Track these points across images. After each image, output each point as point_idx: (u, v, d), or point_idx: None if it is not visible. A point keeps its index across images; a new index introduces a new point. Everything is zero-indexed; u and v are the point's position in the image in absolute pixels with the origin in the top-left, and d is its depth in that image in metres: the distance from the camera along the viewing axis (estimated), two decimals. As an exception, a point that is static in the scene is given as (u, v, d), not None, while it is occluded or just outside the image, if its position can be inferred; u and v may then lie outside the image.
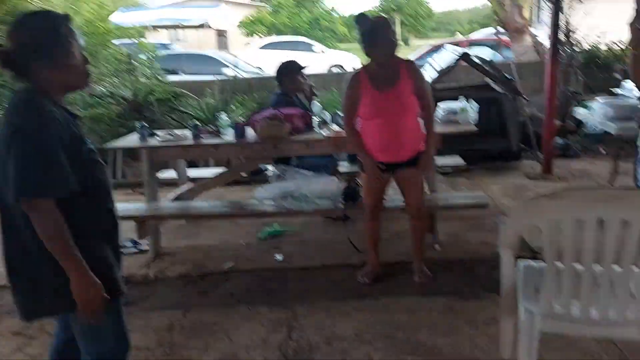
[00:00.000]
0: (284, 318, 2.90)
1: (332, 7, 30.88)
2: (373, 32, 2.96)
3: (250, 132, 3.77)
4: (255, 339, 2.72)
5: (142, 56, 7.44)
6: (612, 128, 3.66)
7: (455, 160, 4.45)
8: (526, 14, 8.25)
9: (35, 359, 2.65)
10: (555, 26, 4.53)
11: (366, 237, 3.33)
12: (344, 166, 4.28)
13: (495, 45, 9.45)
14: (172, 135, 3.88)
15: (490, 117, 5.42)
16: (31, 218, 1.57)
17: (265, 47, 16.02)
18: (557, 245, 1.74)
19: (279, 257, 3.68)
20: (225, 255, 3.79)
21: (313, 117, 3.87)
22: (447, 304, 2.94)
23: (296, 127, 3.75)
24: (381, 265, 3.32)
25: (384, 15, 3.21)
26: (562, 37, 5.52)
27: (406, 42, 30.71)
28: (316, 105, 3.93)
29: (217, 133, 3.86)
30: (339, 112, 3.93)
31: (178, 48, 14.69)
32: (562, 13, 5.95)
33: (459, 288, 3.10)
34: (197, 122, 3.87)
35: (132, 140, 3.93)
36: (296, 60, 4.40)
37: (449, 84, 5.77)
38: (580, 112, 3.79)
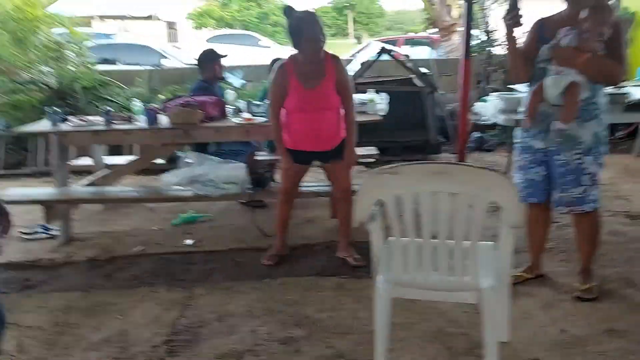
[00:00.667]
0: (180, 298, 2.98)
1: (284, 3, 30.87)
2: (300, 27, 3.02)
3: (163, 119, 3.82)
4: (149, 317, 2.79)
5: (74, 45, 7.32)
6: (500, 120, 3.91)
7: (370, 151, 4.61)
8: (455, 13, 8.58)
9: None
10: (468, 24, 4.76)
11: (276, 220, 3.42)
12: (262, 154, 4.38)
13: (431, 43, 9.75)
14: (85, 121, 3.89)
15: (411, 110, 5.66)
16: None
17: (211, 39, 15.94)
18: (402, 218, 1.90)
19: (188, 241, 3.75)
20: (137, 240, 3.83)
21: (227, 105, 3.96)
22: (339, 283, 3.09)
23: (210, 114, 3.83)
24: (287, 248, 3.43)
25: (311, 10, 3.25)
26: (482, 35, 5.78)
27: (359, 39, 31.08)
28: (230, 94, 4.02)
29: (129, 119, 3.89)
30: (253, 101, 4.04)
31: (120, 39, 14.40)
32: (483, 12, 6.26)
33: (355, 269, 3.25)
34: (110, 108, 3.88)
35: (43, 125, 3.91)
36: (214, 49, 4.50)
37: (372, 78, 5.96)
38: (477, 106, 4.03)
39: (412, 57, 6.64)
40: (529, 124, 2.69)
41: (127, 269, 3.40)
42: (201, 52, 4.48)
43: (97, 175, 4.22)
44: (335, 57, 3.19)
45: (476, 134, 5.91)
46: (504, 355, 2.31)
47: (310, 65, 3.08)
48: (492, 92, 6.14)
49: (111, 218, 4.32)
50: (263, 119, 3.64)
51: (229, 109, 3.92)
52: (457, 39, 8.16)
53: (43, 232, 3.92)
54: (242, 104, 4.03)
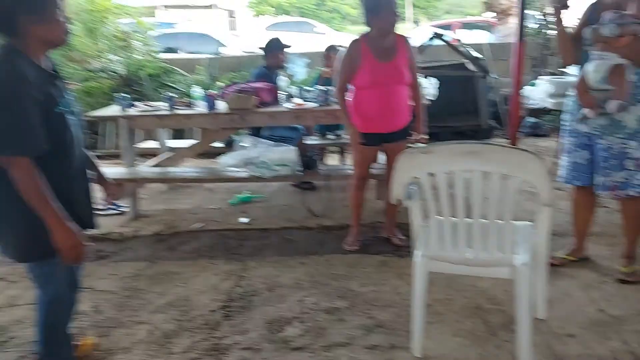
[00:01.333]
0: (235, 269, 3.23)
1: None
2: (376, 2, 3.05)
3: (221, 104, 4.07)
4: (208, 286, 3.05)
5: (139, 34, 7.76)
6: (549, 103, 3.88)
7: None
8: (512, -5, 8.40)
9: (13, 298, 2.99)
10: (522, 6, 4.72)
11: (351, 205, 3.46)
12: (312, 138, 4.58)
13: (488, 27, 9.58)
14: (150, 106, 4.21)
15: (463, 95, 5.67)
16: (11, 174, 1.72)
17: (270, 27, 16.22)
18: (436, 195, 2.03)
19: (243, 219, 4.00)
20: (197, 217, 4.13)
21: (279, 91, 4.16)
22: (383, 261, 3.24)
23: (263, 100, 4.05)
24: (362, 232, 3.48)
25: None
26: (536, 18, 5.68)
27: (417, 23, 30.57)
28: (283, 81, 4.21)
29: (190, 105, 4.17)
30: (304, 87, 4.22)
31: (182, 28, 14.94)
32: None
33: (399, 248, 3.39)
34: (172, 94, 4.16)
35: (112, 110, 4.26)
36: (279, 39, 4.69)
37: (425, 63, 5.98)
38: (527, 90, 3.99)
39: (468, 41, 6.61)
40: (593, 113, 2.63)
41: (189, 242, 3.70)
42: (267, 40, 4.69)
43: (162, 157, 4.54)
44: (404, 37, 3.25)
45: (530, 119, 5.84)
46: (539, 331, 2.41)
47: (383, 42, 3.12)
48: (547, 75, 6.07)
49: (174, 197, 4.65)
50: (313, 104, 3.81)
51: (281, 94, 4.12)
52: (513, 22, 7.97)
53: (114, 209, 4.29)
54: (294, 89, 4.22)
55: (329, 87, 3.83)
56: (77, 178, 1.99)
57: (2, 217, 1.87)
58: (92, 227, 2.13)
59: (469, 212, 2.02)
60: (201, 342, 2.51)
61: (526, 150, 1.90)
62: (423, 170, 2.01)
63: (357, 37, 3.22)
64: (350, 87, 3.22)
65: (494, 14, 8.68)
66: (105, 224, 4.05)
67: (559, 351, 2.30)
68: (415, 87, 3.29)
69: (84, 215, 2.02)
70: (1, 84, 1.71)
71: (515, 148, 1.94)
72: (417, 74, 3.28)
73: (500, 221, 2.01)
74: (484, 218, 2.05)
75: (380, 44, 3.13)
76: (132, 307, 2.86)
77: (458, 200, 2.01)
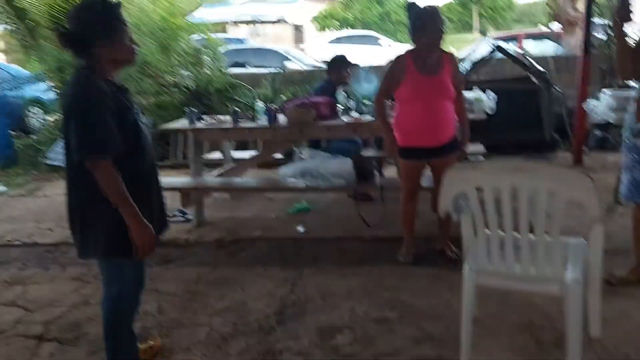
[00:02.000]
0: (291, 277, 3.35)
1: (406, 1, 30.67)
2: (422, 20, 3.15)
3: (281, 118, 4.25)
4: (263, 292, 3.19)
5: (209, 50, 8.14)
6: (611, 118, 3.75)
7: (477, 147, 4.66)
8: (581, 6, 8.05)
9: (87, 298, 3.25)
10: (587, 18, 4.61)
11: (402, 219, 3.48)
12: (368, 151, 4.65)
13: (555, 38, 9.30)
14: (216, 120, 4.45)
15: (525, 109, 5.57)
16: (95, 175, 1.93)
17: (333, 41, 16.50)
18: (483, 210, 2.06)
19: (300, 228, 4.14)
20: (256, 225, 4.30)
21: (338, 105, 4.28)
22: (435, 274, 3.26)
23: (322, 113, 4.18)
24: (415, 245, 3.52)
25: (433, 5, 3.32)
26: (605, 28, 5.50)
27: (484, 33, 29.97)
28: (341, 95, 4.33)
29: (253, 118, 4.37)
30: (362, 101, 4.31)
31: (252, 42, 15.51)
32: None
33: (452, 261, 3.39)
34: (237, 109, 4.38)
35: (182, 123, 4.54)
36: (345, 56, 4.82)
37: (488, 76, 5.94)
38: (590, 104, 3.86)
39: (533, 53, 6.48)
40: None
41: (248, 249, 3.87)
42: (333, 56, 4.83)
43: (226, 168, 4.77)
44: (450, 53, 3.33)
45: (598, 133, 5.64)
46: (593, 351, 2.36)
47: (428, 57, 3.19)
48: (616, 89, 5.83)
49: (236, 205, 4.86)
50: (370, 118, 3.89)
51: (339, 108, 4.23)
52: (580, 33, 7.71)
53: (180, 216, 4.55)
54: (351, 103, 4.32)
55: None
56: (151, 179, 2.19)
57: (86, 216, 2.08)
58: (165, 227, 2.32)
59: (520, 226, 2.03)
60: (255, 345, 2.64)
61: (574, 169, 1.90)
62: (471, 184, 2.05)
63: (403, 53, 3.30)
64: (394, 102, 3.29)
65: (561, 25, 8.42)
66: (172, 230, 4.30)
67: (612, 372, 2.25)
68: (459, 101, 3.32)
69: (158, 215, 2.22)
70: (82, 96, 1.96)
71: (563, 166, 1.93)
72: (462, 88, 3.32)
73: (548, 237, 2.01)
74: (532, 233, 2.05)
75: (425, 60, 3.19)
76: (193, 310, 3.04)
77: (506, 215, 2.02)
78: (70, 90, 2.01)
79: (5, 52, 18.44)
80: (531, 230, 2.07)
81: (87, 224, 2.08)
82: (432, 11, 3.19)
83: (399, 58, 3.27)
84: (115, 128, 1.97)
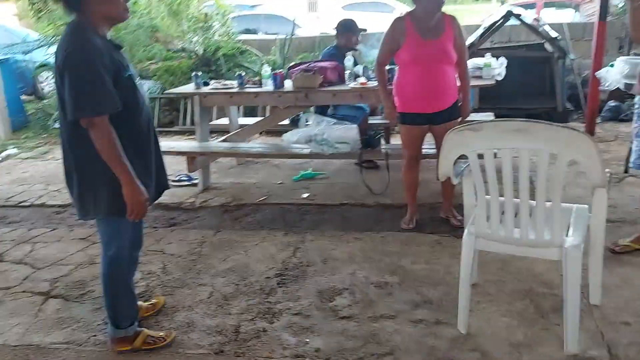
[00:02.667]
0: (293, 241, 3.37)
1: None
2: None
3: (288, 83, 4.20)
4: (266, 255, 3.21)
5: (219, 16, 8.05)
6: (623, 85, 3.66)
7: (489, 117, 4.59)
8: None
9: (93, 258, 3.29)
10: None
11: (404, 186, 3.47)
12: (376, 118, 4.60)
13: (576, 6, 9.04)
14: (221, 85, 4.41)
15: (538, 77, 5.45)
16: (90, 133, 1.91)
17: (346, 7, 16.17)
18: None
19: (304, 194, 4.13)
20: (262, 191, 4.31)
21: (345, 70, 4.22)
22: (438, 240, 3.25)
23: (329, 79, 4.12)
24: (417, 211, 3.51)
25: None
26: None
27: (503, 2, 29.24)
28: (349, 60, 4.26)
29: (259, 83, 4.33)
30: (369, 67, 4.24)
31: (265, 8, 15.26)
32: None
33: (456, 229, 3.38)
34: (242, 73, 4.34)
35: (188, 87, 4.51)
36: (354, 20, 4.72)
37: (501, 44, 5.81)
38: (602, 71, 3.76)
39: (549, 21, 6.31)
40: None
41: (252, 214, 3.88)
42: (341, 20, 4.74)
43: (232, 133, 4.75)
44: (452, 16, 3.22)
45: (612, 103, 5.51)
46: (592, 317, 2.36)
47: (429, 21, 3.11)
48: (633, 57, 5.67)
49: (242, 172, 4.87)
50: (377, 83, 3.83)
51: (347, 73, 4.17)
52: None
53: (186, 180, 4.57)
54: (359, 68, 4.25)
55: (394, 67, 3.84)
56: (148, 139, 2.18)
57: (85, 176, 2.08)
58: (165, 187, 2.32)
59: (520, 191, 2.00)
60: (256, 305, 2.68)
61: (576, 130, 1.86)
62: (471, 148, 2.02)
63: (403, 14, 3.22)
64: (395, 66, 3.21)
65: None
66: (178, 194, 4.34)
67: (610, 338, 2.24)
68: (462, 66, 3.24)
69: (157, 175, 2.22)
70: (77, 54, 1.92)
71: (565, 126, 1.89)
72: (465, 53, 3.23)
73: (548, 202, 1.98)
74: (532, 198, 2.03)
75: (426, 23, 3.11)
76: (197, 270, 3.08)
77: (506, 179, 2.00)
78: (63, 45, 1.95)
79: (19, 16, 18.44)
80: (533, 196, 2.04)
81: (85, 184, 2.09)
82: None
83: (398, 20, 3.20)
84: (110, 85, 1.93)
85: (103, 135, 1.94)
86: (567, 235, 2.12)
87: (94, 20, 1.99)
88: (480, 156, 2.02)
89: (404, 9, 17.66)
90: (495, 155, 2.00)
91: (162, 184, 2.31)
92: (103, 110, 1.92)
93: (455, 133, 2.00)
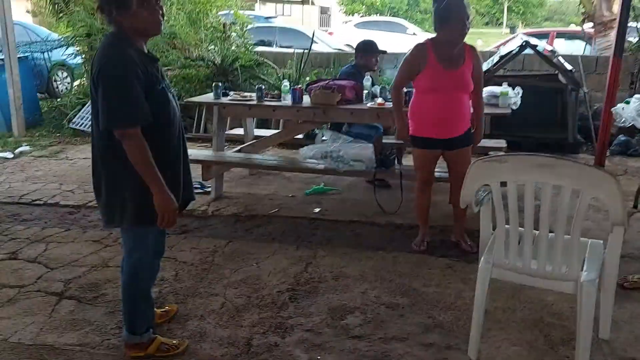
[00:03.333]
0: (305, 256, 3.40)
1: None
2: (448, 10, 3.11)
3: (306, 98, 4.27)
4: (278, 268, 3.25)
5: (237, 27, 8.15)
6: (638, 123, 3.71)
7: (499, 144, 4.64)
8: (617, 8, 7.87)
9: (106, 261, 3.34)
10: (622, 20, 4.53)
11: (417, 209, 3.52)
12: (390, 138, 4.65)
13: (587, 38, 9.15)
14: (241, 96, 4.48)
15: (550, 107, 5.52)
16: (123, 144, 1.97)
17: (358, 25, 16.38)
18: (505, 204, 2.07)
19: (316, 209, 4.18)
20: (274, 203, 4.35)
21: (363, 90, 4.28)
22: (449, 264, 3.29)
23: (347, 97, 4.19)
24: (429, 233, 3.55)
25: None
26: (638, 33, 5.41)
27: (512, 29, 29.54)
28: (367, 80, 4.33)
29: (278, 97, 4.40)
30: (387, 87, 4.31)
31: (279, 21, 15.45)
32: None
33: (467, 253, 3.41)
34: (262, 86, 4.41)
35: (207, 97, 4.58)
36: (375, 42, 4.78)
37: (515, 72, 5.89)
38: (618, 108, 3.82)
39: (563, 52, 6.40)
40: None
41: (264, 226, 3.92)
42: (361, 41, 4.81)
43: (247, 144, 4.81)
44: (472, 47, 3.30)
45: (622, 137, 5.58)
46: (601, 352, 2.39)
47: (450, 50, 3.17)
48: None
49: (255, 182, 4.92)
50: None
51: (365, 93, 4.24)
52: (613, 35, 7.55)
53: (199, 188, 4.61)
54: (377, 89, 4.32)
55: (412, 89, 3.90)
56: (178, 151, 2.23)
57: (114, 185, 2.12)
58: (192, 198, 2.37)
59: (540, 223, 2.05)
60: (268, 319, 2.70)
61: (600, 169, 1.91)
62: (495, 179, 2.06)
63: (424, 41, 3.29)
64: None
65: (593, 25, 8.27)
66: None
67: (619, 374, 2.27)
68: (477, 95, 3.32)
69: (184, 187, 2.27)
70: (111, 65, 1.98)
71: (589, 165, 1.94)
72: (481, 83, 3.32)
73: (567, 236, 2.02)
74: (552, 231, 2.07)
75: (448, 52, 3.17)
76: (209, 280, 3.11)
77: (527, 211, 2.04)
78: (99, 56, 2.02)
79: (33, 13, 18.63)
80: (550, 228, 2.09)
81: (114, 193, 2.13)
82: (458, 3, 3.15)
83: (419, 46, 3.26)
84: (143, 97, 1.98)
85: (136, 147, 1.98)
86: (582, 269, 2.16)
87: (129, 32, 2.05)
88: (503, 184, 2.07)
89: (416, 29, 17.88)
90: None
91: (188, 195, 2.35)
92: (134, 122, 1.97)
93: (481, 163, 2.05)
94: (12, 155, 5.82)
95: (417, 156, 3.43)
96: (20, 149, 6.04)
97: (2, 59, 6.55)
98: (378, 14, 25.05)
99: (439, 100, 3.18)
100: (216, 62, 6.77)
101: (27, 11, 18.46)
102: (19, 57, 6.79)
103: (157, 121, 2.05)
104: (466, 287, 2.97)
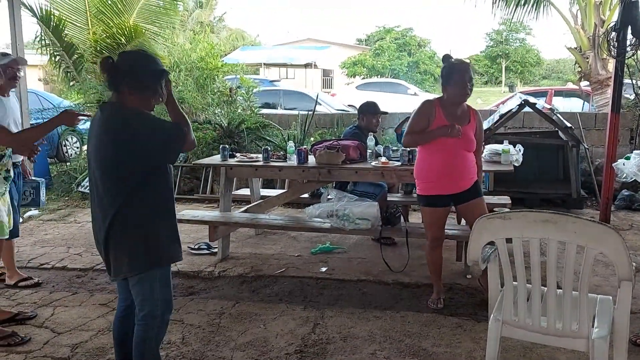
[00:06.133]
0: (313, 317, 3.37)
1: (435, 53, 31.35)
2: (453, 73, 3.28)
3: (311, 158, 4.36)
4: (285, 330, 3.21)
5: (242, 90, 8.42)
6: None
7: (503, 200, 4.68)
8: (610, 67, 8.15)
9: (112, 323, 3.32)
10: (617, 79, 4.69)
11: (430, 266, 3.53)
12: (395, 196, 4.72)
13: (584, 96, 9.38)
14: (247, 157, 4.58)
15: (553, 163, 5.60)
16: (188, 143, 2.30)
17: (360, 87, 16.82)
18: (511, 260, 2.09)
19: (323, 269, 4.17)
20: (280, 263, 4.35)
21: (367, 149, 4.38)
22: (458, 323, 3.25)
23: (351, 157, 4.28)
24: (444, 290, 3.57)
25: (466, 60, 3.50)
26: (634, 90, 5.57)
27: (511, 88, 30.26)
28: (371, 140, 4.43)
29: (284, 157, 4.49)
30: (391, 147, 4.41)
31: (283, 84, 15.93)
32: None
33: (476, 312, 3.38)
34: (268, 147, 4.52)
35: (215, 158, 4.68)
36: (377, 104, 4.90)
37: (516, 129, 6.01)
38: (619, 163, 3.87)
39: (562, 109, 6.55)
40: None
41: (271, 286, 3.91)
42: (364, 102, 4.96)
43: (253, 204, 4.86)
44: (475, 110, 3.46)
45: (626, 192, 5.62)
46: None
47: (456, 110, 3.32)
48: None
49: (261, 242, 4.93)
50: (397, 163, 3.97)
51: (368, 152, 4.33)
52: (609, 92, 7.76)
53: (206, 249, 4.64)
54: (380, 148, 4.42)
55: (415, 148, 3.99)
56: (172, 198, 2.39)
57: (125, 234, 2.24)
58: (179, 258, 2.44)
59: (548, 280, 2.06)
60: (276, 382, 2.66)
61: (604, 224, 1.93)
62: (500, 235, 2.09)
63: (433, 99, 3.43)
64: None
65: (589, 83, 8.51)
66: (197, 262, 4.40)
67: None
68: (477, 153, 3.46)
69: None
70: (147, 120, 2.25)
71: (593, 220, 1.97)
72: (482, 143, 3.50)
73: (575, 292, 2.02)
74: (560, 288, 2.07)
75: (454, 111, 3.31)
76: (216, 343, 3.08)
77: (534, 267, 2.05)
78: (126, 124, 2.19)
79: (44, 81, 19.27)
80: (558, 284, 2.09)
81: (123, 243, 2.25)
82: (463, 67, 3.31)
83: (428, 102, 3.39)
84: None
85: (189, 130, 2.31)
86: (592, 326, 2.15)
87: (125, 101, 2.24)
88: (509, 240, 2.10)
89: (417, 90, 18.34)
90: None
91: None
92: (183, 129, 2.29)
93: (485, 220, 2.08)
94: (21, 220, 5.88)
95: (427, 214, 3.47)
96: (29, 213, 6.11)
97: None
98: (379, 76, 25.82)
99: (447, 158, 3.29)
100: (223, 124, 6.96)
101: (39, 79, 19.14)
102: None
103: (160, 170, 2.28)
104: (477, 347, 2.93)
